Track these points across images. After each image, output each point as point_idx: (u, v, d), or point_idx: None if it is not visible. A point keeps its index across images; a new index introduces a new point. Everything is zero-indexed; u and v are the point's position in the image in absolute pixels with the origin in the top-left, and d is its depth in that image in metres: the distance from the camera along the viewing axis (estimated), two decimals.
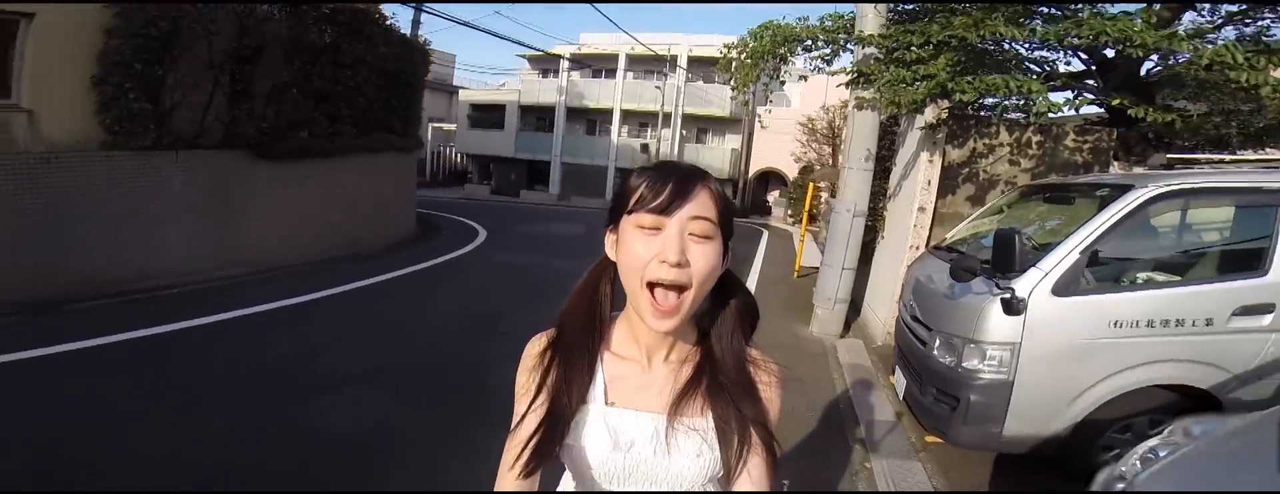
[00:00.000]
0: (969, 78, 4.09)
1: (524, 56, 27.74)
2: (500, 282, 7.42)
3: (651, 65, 24.38)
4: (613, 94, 25.95)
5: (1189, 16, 4.64)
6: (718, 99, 24.28)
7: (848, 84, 5.60)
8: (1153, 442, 1.91)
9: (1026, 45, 4.83)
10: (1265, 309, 2.64)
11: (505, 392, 0.86)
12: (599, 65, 26.14)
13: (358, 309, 5.59)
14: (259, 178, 6.53)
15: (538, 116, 28.14)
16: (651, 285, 0.72)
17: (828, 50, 5.62)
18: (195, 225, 5.98)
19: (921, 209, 5.29)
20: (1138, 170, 4.30)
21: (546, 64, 27.29)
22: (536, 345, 0.83)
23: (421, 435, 3.11)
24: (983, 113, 5.68)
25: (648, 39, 19.48)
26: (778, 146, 21.81)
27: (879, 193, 6.70)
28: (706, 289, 0.74)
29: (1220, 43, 3.67)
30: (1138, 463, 1.83)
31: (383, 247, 8.99)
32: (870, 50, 5.07)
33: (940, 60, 4.32)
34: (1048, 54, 5.03)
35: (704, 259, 0.71)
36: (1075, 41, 4.05)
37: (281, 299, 5.46)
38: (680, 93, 24.65)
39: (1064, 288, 2.68)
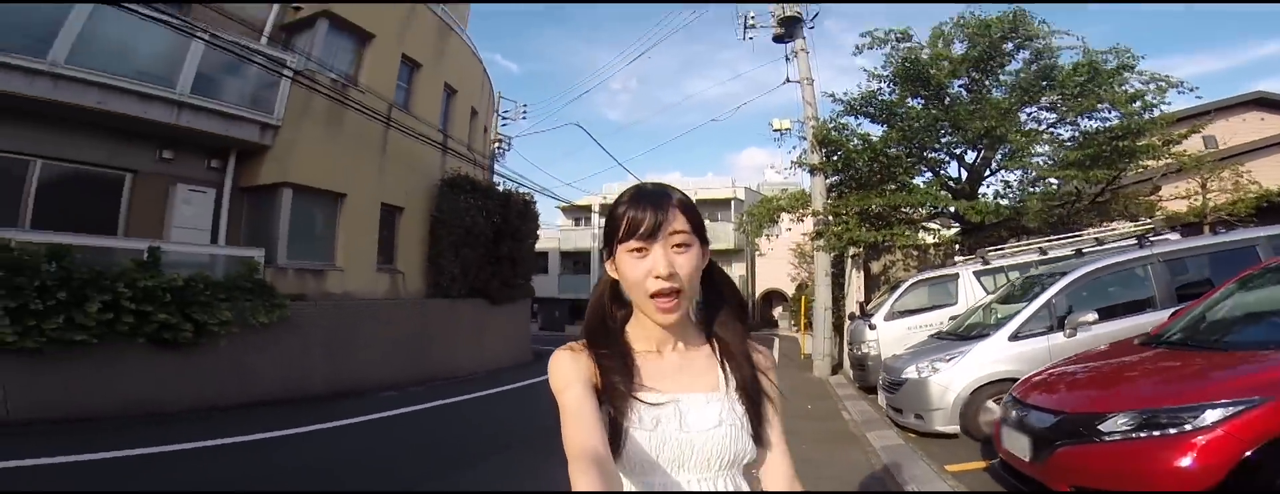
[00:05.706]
0: (863, 231, 9.43)
1: (560, 208, 34.31)
2: None
3: None
4: None
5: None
6: (723, 234, 30.21)
7: (811, 238, 10.98)
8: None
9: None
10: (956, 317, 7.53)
11: None
12: None
13: None
14: (491, 314, 11.60)
15: (574, 261, 34.09)
16: (653, 294, 0.92)
17: (796, 214, 11.11)
18: (468, 342, 10.90)
19: (857, 301, 10.32)
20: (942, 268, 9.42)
21: (577, 213, 33.84)
22: (566, 357, 0.97)
23: None
24: (884, 244, 10.99)
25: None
26: (776, 269, 27.05)
27: (838, 294, 11.75)
28: (696, 285, 0.96)
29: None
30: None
31: (534, 357, 13.80)
32: (819, 215, 10.47)
33: (851, 221, 9.66)
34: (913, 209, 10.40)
35: (688, 264, 0.93)
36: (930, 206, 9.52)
37: (527, 379, 10.11)
38: None
39: (889, 318, 7.67)
